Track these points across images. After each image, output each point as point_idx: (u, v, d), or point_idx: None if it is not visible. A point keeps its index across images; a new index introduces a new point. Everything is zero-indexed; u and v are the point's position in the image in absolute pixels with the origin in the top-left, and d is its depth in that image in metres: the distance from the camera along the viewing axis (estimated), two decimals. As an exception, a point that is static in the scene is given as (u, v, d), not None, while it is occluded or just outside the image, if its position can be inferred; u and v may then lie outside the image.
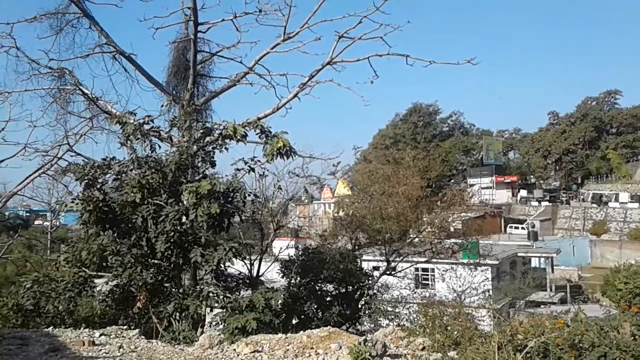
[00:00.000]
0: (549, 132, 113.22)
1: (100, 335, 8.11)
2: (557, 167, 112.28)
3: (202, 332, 9.26)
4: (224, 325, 9.14)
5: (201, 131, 10.64)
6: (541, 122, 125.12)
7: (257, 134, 10.58)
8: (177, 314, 9.77)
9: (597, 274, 52.30)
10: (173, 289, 10.27)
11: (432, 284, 35.32)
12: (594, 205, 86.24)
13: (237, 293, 11.58)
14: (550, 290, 44.81)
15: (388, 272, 20.78)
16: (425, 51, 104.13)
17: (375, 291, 18.27)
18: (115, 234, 9.80)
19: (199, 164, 10.48)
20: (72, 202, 9.71)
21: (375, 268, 21.15)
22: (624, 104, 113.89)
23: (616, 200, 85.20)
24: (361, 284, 15.89)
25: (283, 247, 16.13)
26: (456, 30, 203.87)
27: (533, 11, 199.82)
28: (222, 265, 9.65)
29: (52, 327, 9.11)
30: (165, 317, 9.90)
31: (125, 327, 8.96)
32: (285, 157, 10.36)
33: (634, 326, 6.06)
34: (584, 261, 65.68)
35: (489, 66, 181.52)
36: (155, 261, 9.78)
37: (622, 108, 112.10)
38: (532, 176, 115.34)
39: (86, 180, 10.05)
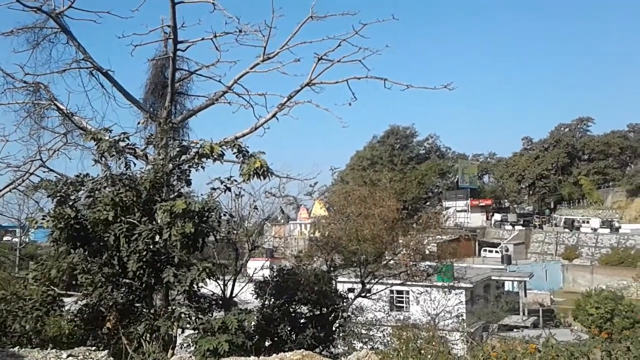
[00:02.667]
0: (523, 157, 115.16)
1: (68, 356, 7.88)
2: (531, 192, 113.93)
3: (172, 354, 9.08)
4: (195, 347, 8.98)
5: (177, 149, 10.54)
6: (515, 147, 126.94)
7: (234, 154, 10.52)
8: (148, 335, 9.56)
9: (569, 298, 52.99)
10: (144, 310, 10.06)
11: (406, 307, 35.32)
12: (566, 230, 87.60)
13: (210, 314, 11.43)
14: (523, 314, 45.13)
15: (363, 294, 20.73)
16: (404, 75, 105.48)
17: (349, 313, 18.20)
18: (86, 252, 9.59)
19: (175, 183, 10.37)
20: (43, 218, 9.51)
21: (350, 290, 21.09)
22: (596, 131, 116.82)
23: (588, 225, 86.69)
24: (336, 306, 15.80)
25: (258, 267, 16.01)
26: (434, 56, 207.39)
27: (509, 38, 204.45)
28: (195, 286, 9.49)
29: (18, 347, 8.83)
30: (136, 338, 9.67)
31: (94, 348, 8.72)
32: (262, 177, 10.31)
33: (604, 352, 6.12)
34: (556, 285, 66.45)
35: (466, 91, 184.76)
36: (127, 280, 9.60)
37: (594, 135, 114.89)
38: (506, 200, 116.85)
39: (58, 197, 9.85)
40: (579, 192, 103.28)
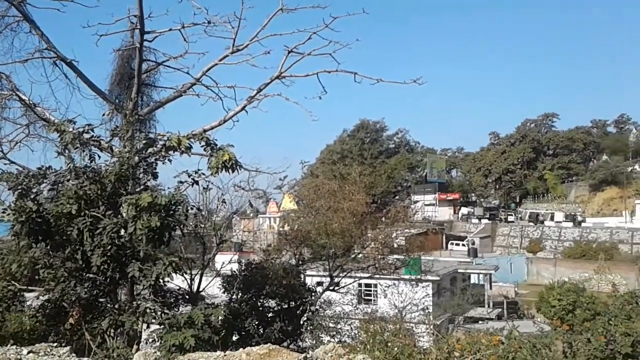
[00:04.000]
0: (490, 152, 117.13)
1: (29, 352, 7.70)
2: (497, 186, 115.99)
3: (137, 350, 8.95)
4: (160, 343, 8.85)
5: (144, 142, 10.37)
6: (483, 142, 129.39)
7: (202, 146, 10.39)
8: (112, 330, 9.41)
9: (533, 290, 54.11)
10: (108, 305, 9.89)
11: (374, 300, 35.57)
12: (531, 223, 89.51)
13: (176, 309, 11.30)
14: (488, 306, 45.92)
15: (331, 288, 20.79)
16: (374, 69, 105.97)
17: (317, 307, 18.24)
18: (49, 247, 9.37)
19: (141, 176, 10.19)
20: (3, 212, 9.25)
21: (319, 283, 21.13)
22: (561, 127, 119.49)
23: (552, 219, 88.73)
24: (304, 300, 15.82)
25: (226, 261, 15.88)
26: (403, 51, 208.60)
27: (478, 36, 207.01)
28: (161, 280, 9.37)
29: (-24, 343, 8.61)
30: (99, 334, 9.52)
31: (56, 344, 8.55)
32: (230, 171, 10.21)
33: (565, 343, 6.25)
34: (521, 278, 67.78)
35: (435, 86, 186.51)
36: (91, 275, 9.41)
37: (558, 131, 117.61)
38: (473, 194, 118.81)
39: (19, 190, 9.59)
40: (543, 187, 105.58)
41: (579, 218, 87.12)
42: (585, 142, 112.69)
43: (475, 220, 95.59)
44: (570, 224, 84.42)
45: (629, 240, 75.62)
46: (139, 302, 9.35)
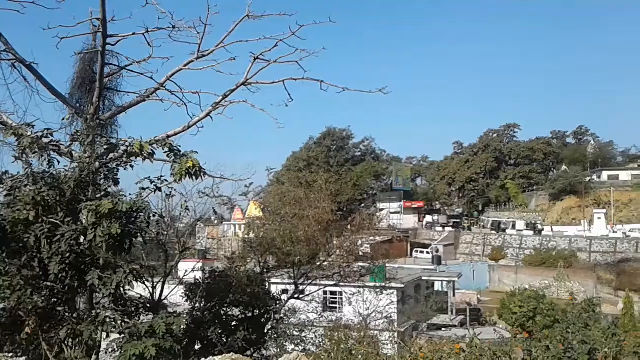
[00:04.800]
0: (454, 161, 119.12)
1: (-19, 364, 7.46)
2: (461, 195, 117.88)
3: (96, 359, 8.76)
4: (120, 352, 8.66)
5: (105, 147, 10.15)
6: (447, 151, 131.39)
7: (165, 153, 10.23)
8: (70, 340, 9.15)
9: (495, 297, 55.09)
10: (66, 314, 9.62)
11: (339, 308, 35.61)
12: (493, 231, 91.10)
13: (137, 318, 11.06)
14: (452, 313, 46.46)
15: (296, 296, 20.72)
16: (341, 78, 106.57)
17: (282, 315, 18.12)
18: (4, 254, 9.08)
19: (101, 182, 9.97)
20: (-44, 218, 8.93)
21: (284, 291, 21.03)
22: (522, 137, 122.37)
23: (513, 227, 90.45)
24: (268, 308, 15.69)
25: (189, 269, 15.65)
26: (370, 61, 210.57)
27: (443, 46, 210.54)
28: (122, 289, 9.18)
29: None
30: (57, 343, 9.24)
31: (11, 354, 8.32)
32: (194, 178, 10.08)
33: (525, 351, 6.34)
34: (483, 285, 68.93)
35: (401, 96, 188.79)
36: (48, 284, 9.14)
37: (520, 141, 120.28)
38: (437, 202, 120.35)
39: (-27, 195, 9.30)
40: (505, 195, 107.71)
41: (540, 227, 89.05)
42: (545, 152, 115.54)
43: (439, 228, 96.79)
44: (531, 233, 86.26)
45: (587, 249, 77.60)
46: (98, 311, 9.14)
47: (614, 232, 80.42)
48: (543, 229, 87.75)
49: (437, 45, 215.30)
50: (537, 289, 49.59)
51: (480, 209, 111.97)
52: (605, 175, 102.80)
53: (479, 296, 60.55)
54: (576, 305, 8.24)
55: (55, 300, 9.51)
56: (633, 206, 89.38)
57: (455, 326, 41.06)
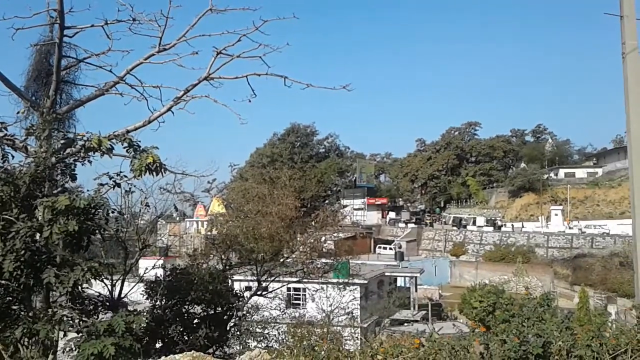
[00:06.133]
0: (417, 158, 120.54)
1: None
2: (423, 191, 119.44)
3: (53, 359, 8.53)
4: (78, 352, 8.46)
5: (62, 141, 9.89)
6: (410, 148, 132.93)
7: (125, 148, 10.02)
8: (26, 339, 8.89)
9: (456, 292, 56.09)
10: (22, 312, 9.35)
11: (302, 304, 35.66)
12: (455, 228, 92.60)
13: (96, 316, 10.84)
14: (414, 308, 47.03)
15: (259, 293, 20.63)
16: (305, 74, 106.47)
17: (245, 312, 18.03)
18: (-45, 252, 8.77)
19: (58, 177, 9.72)
20: None
21: (247, 288, 20.93)
22: (483, 135, 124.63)
23: (474, 224, 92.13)
24: (231, 305, 15.58)
25: (149, 266, 15.41)
26: (334, 59, 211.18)
27: (408, 41, 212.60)
28: (79, 287, 8.96)
29: None
30: (12, 343, 8.97)
31: (-38, 356, 8.02)
32: (155, 173, 9.90)
33: (483, 345, 6.45)
34: (445, 280, 70.03)
35: (365, 93, 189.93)
36: (2, 282, 8.86)
37: (480, 139, 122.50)
38: (400, 199, 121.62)
39: None
40: (466, 192, 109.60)
41: (499, 223, 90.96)
42: (505, 150, 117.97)
43: (402, 225, 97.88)
44: (491, 229, 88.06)
45: (545, 244, 79.73)
46: (55, 310, 8.92)
47: (570, 228, 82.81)
48: (502, 225, 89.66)
49: (400, 44, 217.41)
50: (497, 284, 50.70)
51: (442, 205, 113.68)
52: (562, 172, 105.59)
53: (440, 291, 61.48)
54: (532, 299, 8.42)
55: (10, 298, 9.23)
56: (588, 203, 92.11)
57: (417, 321, 41.57)
